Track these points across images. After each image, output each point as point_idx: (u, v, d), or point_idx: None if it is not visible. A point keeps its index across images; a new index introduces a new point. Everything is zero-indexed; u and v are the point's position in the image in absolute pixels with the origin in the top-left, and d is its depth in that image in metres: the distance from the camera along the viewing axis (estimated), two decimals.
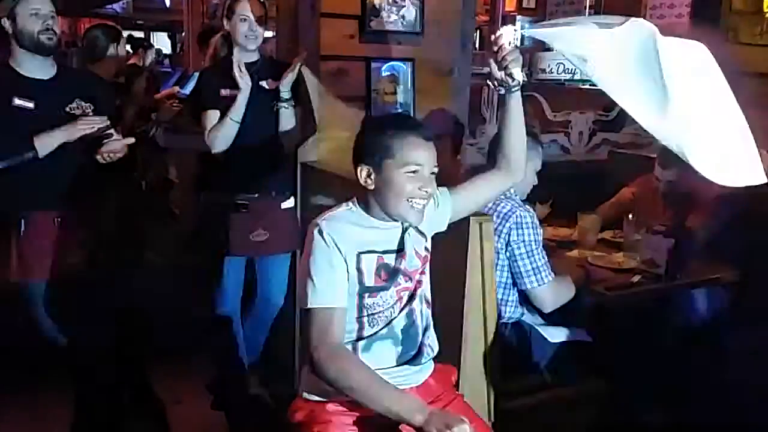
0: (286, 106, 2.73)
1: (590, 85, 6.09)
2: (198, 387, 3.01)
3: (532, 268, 2.33)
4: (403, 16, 3.23)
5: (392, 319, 1.76)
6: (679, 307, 2.85)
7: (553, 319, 2.51)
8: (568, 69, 3.48)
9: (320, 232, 1.70)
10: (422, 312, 1.83)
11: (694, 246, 2.66)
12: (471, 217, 2.04)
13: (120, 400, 2.75)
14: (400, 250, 1.78)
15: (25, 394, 2.92)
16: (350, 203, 1.81)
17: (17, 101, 2.34)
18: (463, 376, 2.10)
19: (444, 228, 1.93)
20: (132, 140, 2.47)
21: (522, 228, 2.33)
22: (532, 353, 2.41)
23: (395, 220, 1.77)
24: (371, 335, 1.75)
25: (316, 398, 1.77)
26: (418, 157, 1.71)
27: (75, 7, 10.05)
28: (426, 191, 1.73)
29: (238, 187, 2.78)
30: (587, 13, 6.35)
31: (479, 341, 2.13)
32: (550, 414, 2.36)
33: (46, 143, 2.31)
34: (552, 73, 3.88)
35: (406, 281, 1.78)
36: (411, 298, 1.79)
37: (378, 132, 1.75)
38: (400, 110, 3.21)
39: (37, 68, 2.41)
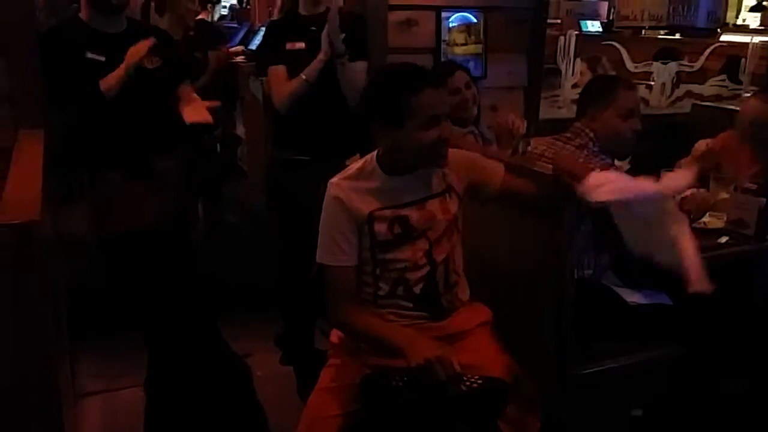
0: (341, 61, 2.64)
1: (670, 34, 5.81)
2: (267, 342, 3.04)
3: None
4: None
5: (409, 280, 1.80)
6: None
7: (632, 281, 2.39)
8: (653, 15, 3.25)
9: (332, 191, 1.78)
10: (446, 274, 1.84)
11: None
12: (549, 174, 1.95)
13: (194, 353, 2.79)
14: (419, 203, 1.79)
15: (101, 345, 3.01)
16: (369, 158, 1.83)
17: (89, 54, 2.35)
18: (535, 339, 2.04)
19: (480, 202, 1.90)
20: (217, 103, 2.50)
21: None
22: (608, 316, 2.31)
23: (411, 171, 1.78)
24: (388, 293, 1.81)
25: None
26: (436, 109, 1.71)
27: None
28: (446, 137, 1.74)
29: (302, 144, 2.74)
30: None
31: (553, 303, 2.05)
32: (627, 380, 2.27)
33: (110, 84, 2.32)
34: (636, 19, 3.64)
35: (420, 239, 1.79)
36: (431, 261, 1.80)
37: (392, 90, 1.74)
38: (471, 62, 3.08)
39: (107, 23, 2.43)
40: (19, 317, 1.35)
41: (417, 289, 1.82)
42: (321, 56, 2.61)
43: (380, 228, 1.77)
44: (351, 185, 1.79)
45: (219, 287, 3.03)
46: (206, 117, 2.49)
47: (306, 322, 2.95)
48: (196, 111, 2.49)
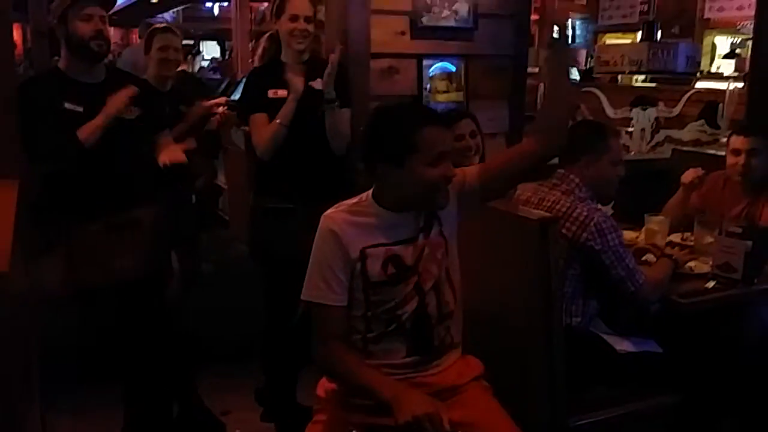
0: (331, 107, 2.63)
1: (649, 80, 5.89)
2: (247, 398, 2.95)
3: (627, 272, 2.21)
4: (455, 11, 3.12)
5: (401, 315, 1.75)
6: (757, 314, 2.65)
7: (620, 328, 2.36)
8: (633, 60, 3.29)
9: (327, 225, 1.74)
10: (439, 302, 1.80)
11: None
12: (533, 219, 1.93)
13: (169, 411, 2.70)
14: (412, 240, 1.76)
15: (74, 403, 2.90)
16: (363, 195, 1.80)
17: (67, 105, 2.32)
18: (526, 389, 1.99)
19: (476, 208, 1.88)
20: (193, 144, 2.47)
21: (605, 235, 2.20)
22: (598, 365, 2.26)
23: (410, 210, 1.76)
24: (379, 335, 1.76)
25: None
26: (442, 146, 1.69)
27: (128, 18, 10.27)
28: (451, 176, 1.72)
29: (286, 191, 2.70)
30: (639, 9, 6.21)
31: (542, 352, 2.00)
32: (621, 431, 2.20)
33: (88, 133, 2.29)
34: (616, 65, 3.69)
35: (413, 275, 1.76)
36: (420, 291, 1.77)
37: (397, 126, 1.71)
38: (453, 108, 3.09)
39: (86, 72, 2.40)
40: None
41: (409, 323, 1.76)
42: (290, 97, 2.61)
43: (373, 268, 1.73)
44: (346, 218, 1.75)
45: (197, 341, 2.94)
46: (179, 157, 2.45)
47: (289, 375, 2.86)
48: (169, 152, 2.45)
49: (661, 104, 4.37)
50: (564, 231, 2.20)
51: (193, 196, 3.93)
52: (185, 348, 2.80)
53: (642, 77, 5.91)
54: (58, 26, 2.37)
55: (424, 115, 1.72)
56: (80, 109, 2.33)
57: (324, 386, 1.86)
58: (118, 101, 2.33)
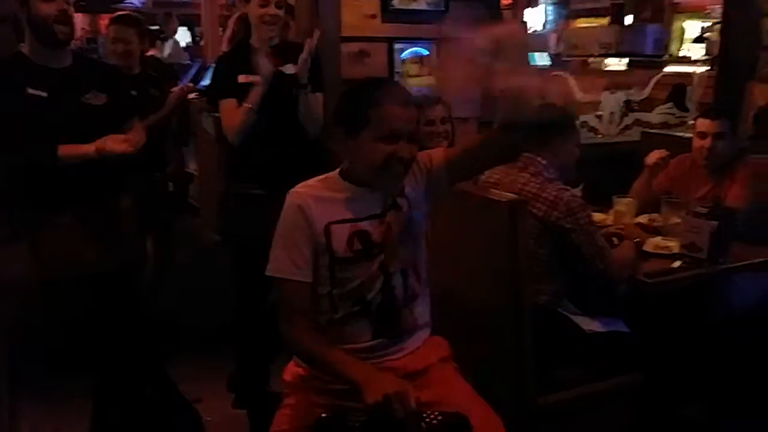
0: (305, 91, 2.62)
1: (621, 64, 5.92)
2: (218, 386, 2.94)
3: (597, 250, 2.25)
4: None
5: (366, 296, 1.75)
6: (722, 293, 2.71)
7: (588, 308, 2.39)
8: (603, 43, 3.31)
9: (293, 200, 1.73)
10: (405, 285, 1.79)
11: (736, 227, 2.52)
12: (503, 201, 1.94)
13: (142, 397, 2.68)
14: (379, 216, 1.75)
15: (45, 389, 2.88)
16: (331, 173, 1.80)
17: (31, 90, 2.27)
18: (495, 369, 2.02)
19: (444, 192, 1.86)
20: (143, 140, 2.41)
21: (575, 213, 2.23)
22: (566, 344, 2.29)
23: (371, 186, 1.75)
24: (345, 316, 1.75)
25: (303, 365, 1.80)
26: (393, 126, 1.67)
27: (95, 3, 10.06)
28: (403, 158, 1.69)
29: (258, 177, 2.69)
30: None
31: (512, 332, 2.02)
32: (586, 409, 2.24)
33: (70, 155, 2.23)
34: (585, 48, 3.71)
35: (379, 252, 1.75)
36: (386, 271, 1.76)
37: (352, 100, 1.72)
38: (424, 92, 3.10)
39: (51, 58, 2.34)
40: None
41: (374, 306, 1.76)
42: (259, 81, 2.58)
43: (339, 245, 1.72)
44: (312, 194, 1.74)
45: (169, 328, 2.92)
46: (119, 147, 2.25)
47: (261, 361, 2.86)
48: (110, 139, 2.26)
49: (635, 88, 4.41)
50: (534, 211, 2.23)
51: (170, 184, 3.90)
52: (158, 334, 2.78)
53: (614, 60, 5.95)
54: (21, 9, 2.31)
55: (388, 92, 1.70)
56: (44, 94, 2.28)
57: (291, 371, 1.85)
58: (115, 146, 2.23)
